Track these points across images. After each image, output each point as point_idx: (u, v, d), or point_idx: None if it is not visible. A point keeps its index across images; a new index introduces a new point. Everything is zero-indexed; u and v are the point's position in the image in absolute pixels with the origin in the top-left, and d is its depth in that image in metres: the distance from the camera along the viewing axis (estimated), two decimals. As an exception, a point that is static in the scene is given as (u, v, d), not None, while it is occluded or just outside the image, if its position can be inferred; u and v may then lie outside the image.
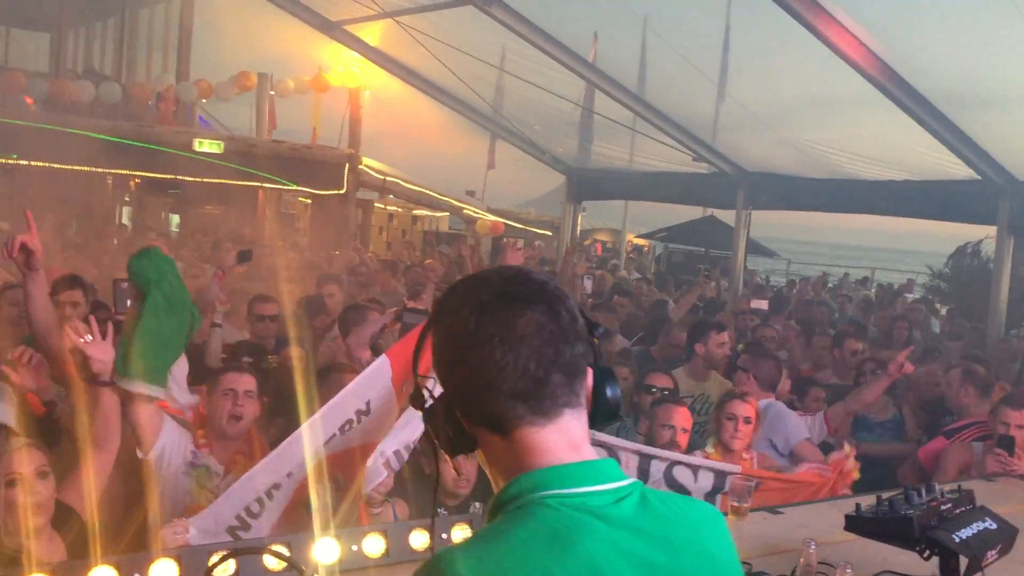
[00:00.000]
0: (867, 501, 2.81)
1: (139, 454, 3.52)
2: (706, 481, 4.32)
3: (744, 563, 3.14)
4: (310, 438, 3.28)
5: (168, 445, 3.65)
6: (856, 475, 4.43)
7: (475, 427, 1.45)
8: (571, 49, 12.50)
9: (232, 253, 8.62)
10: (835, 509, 3.21)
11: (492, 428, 1.43)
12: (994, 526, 2.72)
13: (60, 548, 3.07)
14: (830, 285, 17.99)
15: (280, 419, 4.41)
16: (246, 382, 3.86)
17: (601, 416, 1.50)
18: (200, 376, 4.48)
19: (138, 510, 3.20)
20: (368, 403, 3.57)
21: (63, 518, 3.12)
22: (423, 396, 1.52)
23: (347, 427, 3.51)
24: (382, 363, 3.66)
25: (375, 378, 3.62)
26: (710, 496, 4.24)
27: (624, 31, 11.98)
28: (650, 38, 11.85)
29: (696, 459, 4.43)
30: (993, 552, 2.63)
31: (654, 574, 1.37)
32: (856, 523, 2.81)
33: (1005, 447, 4.72)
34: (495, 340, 1.40)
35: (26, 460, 2.93)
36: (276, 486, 3.31)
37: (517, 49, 13.02)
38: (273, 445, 3.76)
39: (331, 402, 3.46)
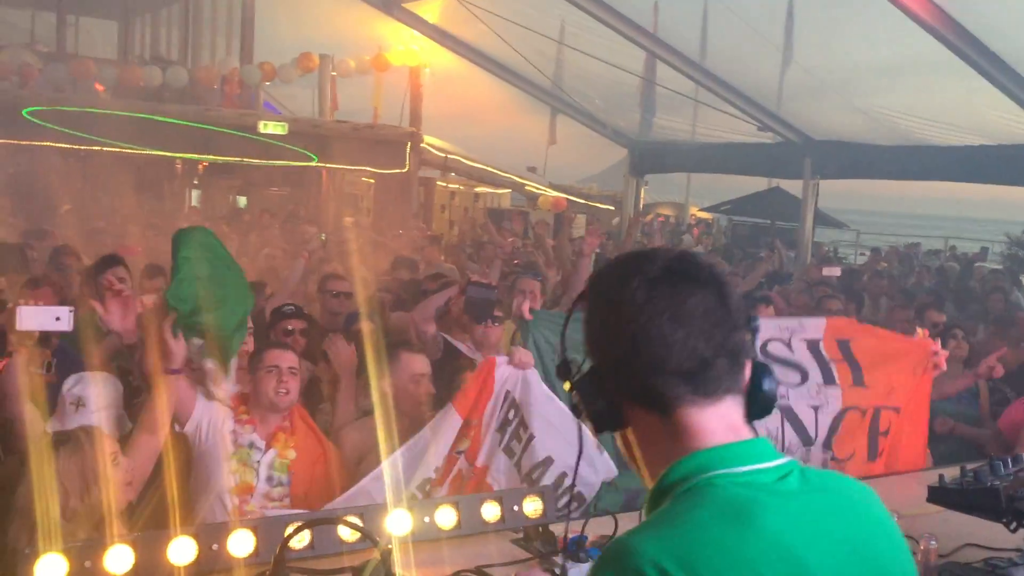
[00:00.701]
0: (951, 472, 2.73)
1: (175, 428, 3.57)
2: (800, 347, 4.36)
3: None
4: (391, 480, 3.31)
5: (205, 419, 3.69)
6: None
7: (630, 404, 1.43)
8: (632, 20, 12.36)
9: (315, 236, 8.78)
10: (917, 481, 3.13)
11: (651, 406, 1.41)
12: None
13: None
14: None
15: (324, 405, 4.46)
16: (289, 359, 3.89)
17: (757, 410, 1.48)
18: None
19: (179, 484, 3.22)
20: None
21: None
22: (571, 369, 1.50)
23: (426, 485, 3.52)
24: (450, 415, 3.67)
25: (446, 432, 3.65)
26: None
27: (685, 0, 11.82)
28: (712, 5, 11.65)
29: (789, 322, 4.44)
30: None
31: (835, 544, 1.37)
32: (940, 495, 2.73)
33: None
34: (664, 316, 1.38)
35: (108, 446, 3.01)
36: None
37: (577, 22, 12.92)
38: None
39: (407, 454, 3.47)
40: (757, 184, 20.26)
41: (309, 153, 15.77)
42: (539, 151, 18.32)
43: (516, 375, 3.84)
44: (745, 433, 1.43)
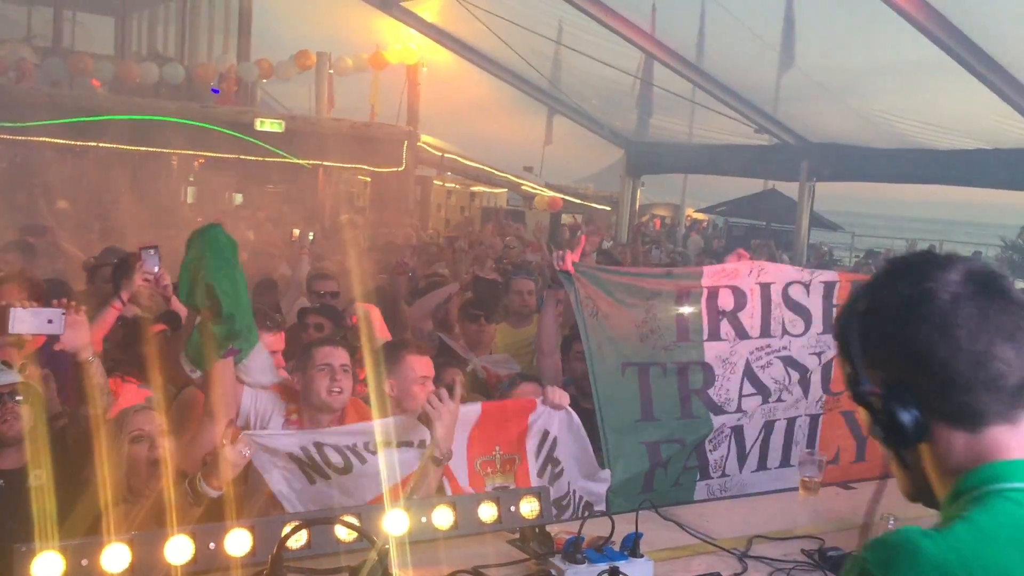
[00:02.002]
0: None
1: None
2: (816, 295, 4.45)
3: (816, 538, 3.11)
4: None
5: (255, 410, 3.64)
6: None
7: (937, 421, 1.35)
8: (629, 20, 12.37)
9: (308, 234, 8.78)
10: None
11: (960, 423, 1.34)
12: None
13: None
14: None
15: None
16: (341, 356, 3.78)
17: None
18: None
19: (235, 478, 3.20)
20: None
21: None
22: (865, 387, 1.39)
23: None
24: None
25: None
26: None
27: (683, 0, 11.82)
28: (709, 7, 11.66)
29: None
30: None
31: None
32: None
33: None
34: (994, 333, 1.33)
35: (148, 420, 3.05)
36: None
37: (575, 22, 12.93)
38: None
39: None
40: (753, 186, 20.31)
41: (300, 161, 15.79)
42: (536, 151, 18.35)
43: (553, 414, 3.78)
44: None
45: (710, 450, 4.29)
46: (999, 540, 1.25)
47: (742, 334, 4.32)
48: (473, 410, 3.62)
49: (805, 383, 4.37)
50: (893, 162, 11.59)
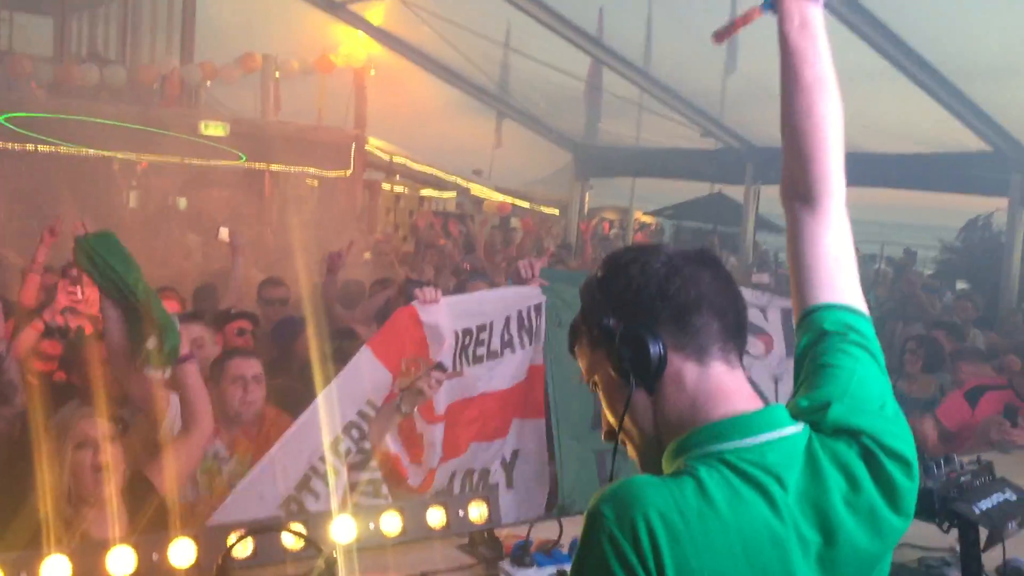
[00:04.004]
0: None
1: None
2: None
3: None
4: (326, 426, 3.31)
5: (175, 418, 3.63)
6: None
7: (673, 352, 1.49)
8: (577, 25, 12.42)
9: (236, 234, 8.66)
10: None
11: (690, 351, 1.49)
12: (1014, 497, 2.71)
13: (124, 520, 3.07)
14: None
15: (279, 379, 4.43)
16: (253, 367, 3.82)
17: None
18: None
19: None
20: (370, 402, 3.59)
21: (142, 492, 3.12)
22: (610, 327, 1.52)
23: (355, 432, 3.51)
24: (367, 357, 3.65)
25: (367, 374, 3.62)
26: None
27: (630, 5, 11.90)
28: (656, 12, 11.76)
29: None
30: (1013, 523, 2.62)
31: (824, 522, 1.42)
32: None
33: (1009, 417, 4.75)
34: (704, 277, 1.51)
35: (93, 426, 2.98)
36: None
37: (523, 26, 12.94)
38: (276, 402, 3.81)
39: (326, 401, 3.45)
40: (700, 189, 20.51)
41: (238, 152, 15.58)
42: (485, 154, 18.34)
43: (441, 311, 3.84)
44: (758, 403, 1.50)
45: None
46: (715, 503, 1.34)
47: None
48: (365, 357, 3.65)
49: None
50: (836, 166, 11.81)
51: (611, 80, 13.34)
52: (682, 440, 1.46)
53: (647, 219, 24.88)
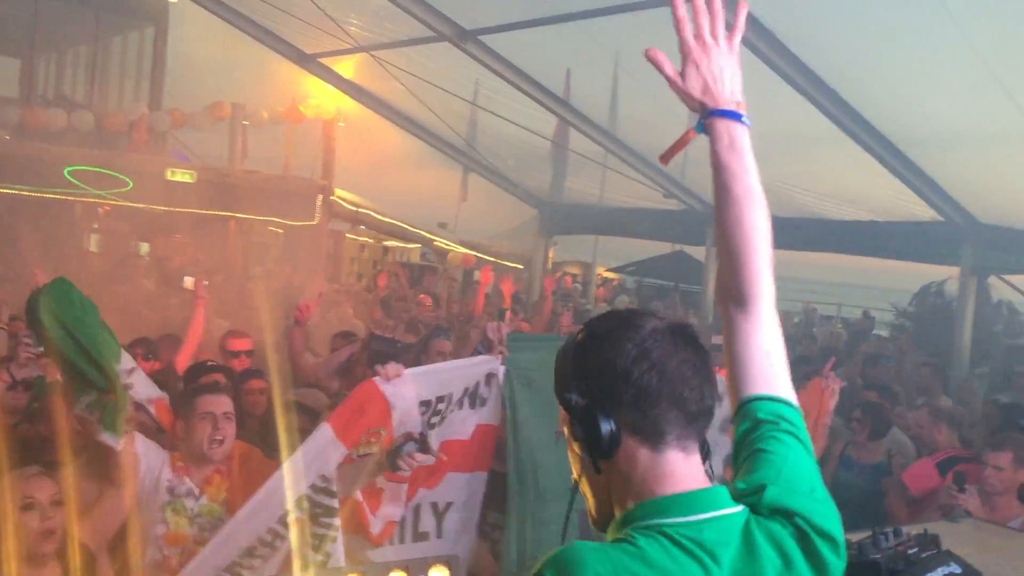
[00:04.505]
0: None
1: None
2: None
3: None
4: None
5: (146, 463, 3.63)
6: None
7: (628, 435, 1.57)
8: (544, 86, 12.67)
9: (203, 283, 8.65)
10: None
11: (645, 436, 1.57)
12: (959, 570, 2.79)
13: None
14: (796, 320, 18.16)
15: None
16: (223, 403, 3.81)
17: None
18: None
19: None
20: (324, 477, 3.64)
21: (83, 559, 3.10)
22: (571, 398, 1.61)
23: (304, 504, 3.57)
24: (326, 435, 3.71)
25: (324, 450, 3.68)
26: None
27: (596, 68, 12.16)
28: (621, 75, 12.03)
29: None
30: (958, 597, 2.71)
31: None
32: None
33: (958, 483, 4.87)
34: (677, 359, 1.58)
35: (40, 487, 2.96)
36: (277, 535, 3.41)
37: (491, 85, 13.17)
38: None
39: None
40: (662, 247, 20.79)
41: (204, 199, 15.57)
42: (450, 207, 18.47)
43: (405, 384, 3.93)
44: (706, 483, 1.61)
45: None
46: (654, 566, 1.44)
47: None
48: (325, 434, 3.69)
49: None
50: (794, 231, 12.04)
51: (577, 140, 13.58)
52: (627, 512, 1.56)
53: (610, 275, 25.12)
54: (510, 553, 4.14)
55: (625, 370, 1.56)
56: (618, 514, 1.58)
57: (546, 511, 4.22)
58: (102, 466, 3.43)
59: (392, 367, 3.91)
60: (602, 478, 1.60)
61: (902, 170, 9.97)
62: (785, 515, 1.57)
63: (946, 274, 12.97)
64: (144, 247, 18.91)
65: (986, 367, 11.22)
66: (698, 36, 1.86)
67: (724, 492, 1.59)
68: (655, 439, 1.57)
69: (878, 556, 2.73)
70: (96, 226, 18.54)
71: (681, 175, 13.16)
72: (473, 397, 4.15)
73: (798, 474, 1.65)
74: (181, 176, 15.29)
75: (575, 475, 1.64)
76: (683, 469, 1.59)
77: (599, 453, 1.57)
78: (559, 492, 4.23)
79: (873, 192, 10.88)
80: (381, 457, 3.56)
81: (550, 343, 4.67)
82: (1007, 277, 12.11)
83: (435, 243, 19.79)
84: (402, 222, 18.88)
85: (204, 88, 16.54)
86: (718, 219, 1.86)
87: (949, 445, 6.04)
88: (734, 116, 1.87)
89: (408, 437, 3.66)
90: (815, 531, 1.57)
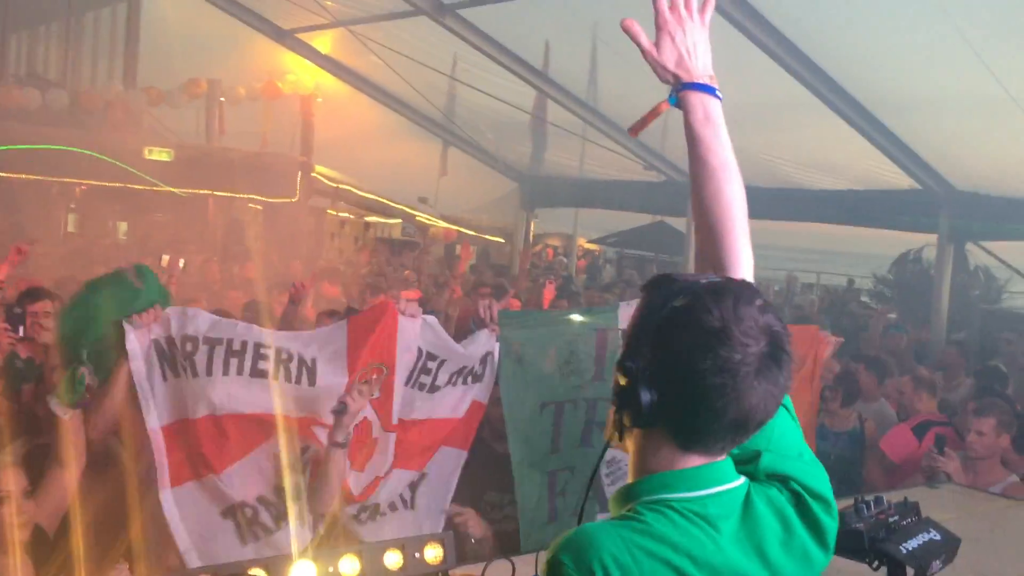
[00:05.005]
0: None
1: None
2: None
3: None
4: None
5: None
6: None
7: (661, 421, 1.53)
8: (522, 59, 12.63)
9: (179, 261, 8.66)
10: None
11: (678, 439, 1.55)
12: (938, 537, 2.88)
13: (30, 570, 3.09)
14: (776, 288, 18.30)
15: None
16: None
17: None
18: None
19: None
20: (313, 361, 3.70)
21: (36, 540, 3.14)
22: (634, 365, 1.53)
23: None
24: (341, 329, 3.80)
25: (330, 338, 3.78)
26: None
27: (574, 40, 12.13)
28: (599, 47, 12.02)
29: None
30: (937, 562, 2.79)
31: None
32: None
33: (938, 446, 4.97)
34: (760, 390, 1.50)
35: (13, 480, 2.98)
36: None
37: (469, 58, 13.12)
38: None
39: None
40: (643, 218, 20.85)
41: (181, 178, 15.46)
42: (430, 182, 18.43)
43: (417, 327, 3.98)
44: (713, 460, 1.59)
45: (607, 484, 4.46)
46: (662, 538, 1.48)
47: None
48: (340, 329, 3.80)
49: None
50: (774, 201, 12.11)
51: (556, 112, 13.56)
52: (632, 486, 1.59)
53: (591, 247, 25.18)
54: (526, 524, 4.23)
55: (701, 381, 1.48)
56: (621, 488, 1.61)
57: (533, 478, 4.30)
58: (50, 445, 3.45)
59: (412, 305, 3.97)
60: (630, 437, 1.61)
61: (879, 138, 10.04)
62: (781, 480, 1.62)
63: (924, 241, 13.11)
64: (122, 226, 18.80)
65: (963, 332, 11.37)
66: (673, 8, 1.87)
67: (729, 465, 1.60)
68: (689, 444, 1.56)
69: (860, 526, 2.80)
70: (73, 206, 18.41)
71: (661, 147, 13.19)
72: (468, 375, 4.18)
73: (786, 440, 1.68)
74: (159, 155, 15.18)
75: (606, 436, 1.65)
76: (698, 463, 1.58)
77: (635, 419, 1.55)
78: (540, 460, 4.32)
79: (851, 161, 10.95)
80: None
81: (539, 319, 4.73)
82: (984, 243, 12.26)
83: (416, 218, 19.76)
84: (383, 197, 18.84)
85: (180, 65, 16.37)
86: (696, 192, 1.87)
87: (928, 412, 6.16)
88: (708, 90, 1.88)
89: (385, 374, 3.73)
90: (809, 494, 1.62)
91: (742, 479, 1.60)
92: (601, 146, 13.63)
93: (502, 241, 19.48)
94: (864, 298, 16.49)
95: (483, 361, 4.20)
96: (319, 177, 17.34)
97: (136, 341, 3.50)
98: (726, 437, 1.55)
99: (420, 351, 3.97)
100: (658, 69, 1.90)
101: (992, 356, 8.99)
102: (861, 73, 9.53)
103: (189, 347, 3.54)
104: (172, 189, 15.46)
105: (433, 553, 3.03)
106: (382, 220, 21.07)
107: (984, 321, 12.36)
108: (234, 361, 3.58)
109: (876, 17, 8.92)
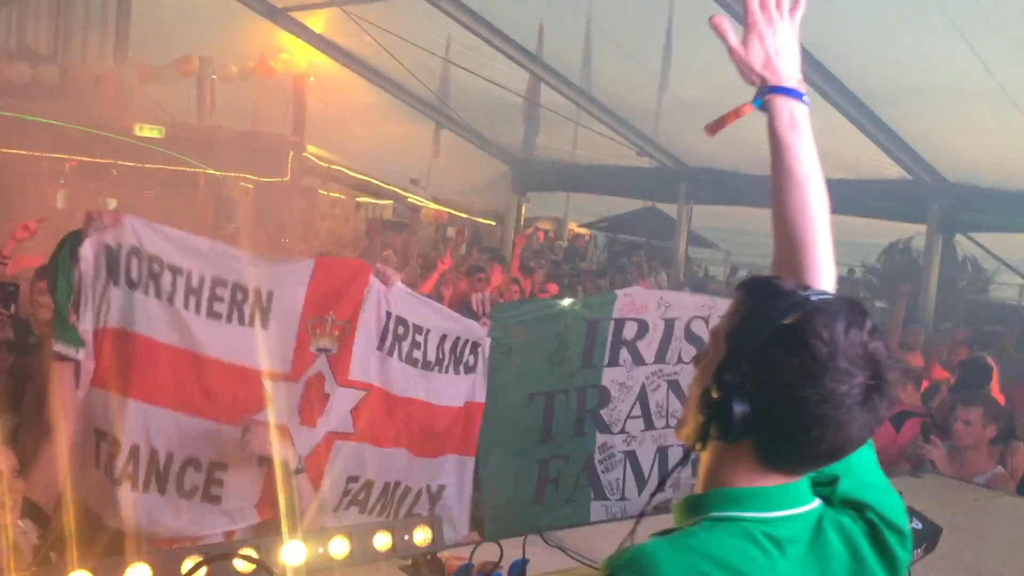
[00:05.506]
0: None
1: None
2: None
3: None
4: None
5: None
6: None
7: (748, 436, 1.45)
8: (516, 41, 12.60)
9: None
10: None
11: (762, 458, 1.47)
12: (920, 526, 2.92)
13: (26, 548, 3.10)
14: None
15: None
16: None
17: None
18: None
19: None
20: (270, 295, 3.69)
21: (31, 516, 3.14)
22: (735, 372, 1.45)
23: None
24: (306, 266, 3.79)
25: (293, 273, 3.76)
26: None
27: (569, 24, 12.11)
28: (594, 31, 12.01)
29: None
30: (919, 550, 2.84)
31: None
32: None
33: (923, 433, 5.03)
34: (859, 424, 1.44)
35: (3, 457, 2.98)
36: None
37: (463, 40, 13.08)
38: None
39: None
40: (634, 202, 20.87)
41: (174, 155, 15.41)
42: (422, 163, 18.40)
43: (390, 293, 3.94)
44: (791, 480, 1.52)
45: (602, 471, 4.50)
46: (726, 565, 1.41)
47: (639, 360, 4.55)
48: (305, 266, 3.77)
49: None
50: (765, 189, 12.09)
51: (549, 96, 13.55)
52: (701, 497, 1.52)
53: (582, 231, 25.22)
54: (487, 503, 4.25)
55: (802, 409, 1.41)
56: (690, 496, 1.54)
57: (519, 466, 4.33)
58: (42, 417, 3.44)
59: (392, 273, 3.95)
60: (708, 448, 1.52)
61: (870, 127, 10.08)
62: (857, 508, 1.56)
63: (913, 231, 13.18)
64: (112, 203, 18.71)
65: (951, 322, 11.46)
66: (764, 6, 1.79)
67: (805, 486, 1.53)
68: (773, 464, 1.49)
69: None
70: (62, 182, 18.32)
71: (654, 132, 13.20)
72: (458, 362, 4.15)
73: (865, 466, 1.63)
74: (149, 132, 15.11)
75: (685, 440, 1.55)
76: (776, 482, 1.50)
77: (720, 432, 1.47)
78: (529, 448, 4.35)
79: (841, 150, 10.98)
80: None
81: (530, 308, 4.75)
82: (972, 235, 12.34)
83: (408, 199, 19.73)
84: (374, 178, 18.79)
85: (172, 41, 16.26)
86: (779, 201, 1.78)
87: (911, 403, 6.20)
88: (795, 94, 1.80)
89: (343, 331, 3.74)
90: (886, 524, 1.56)
91: (816, 502, 1.54)
92: (594, 131, 13.63)
93: (493, 224, 19.47)
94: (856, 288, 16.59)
95: (473, 351, 4.17)
96: (311, 157, 17.29)
97: (89, 247, 3.42)
98: (815, 464, 1.50)
99: (388, 315, 3.91)
100: (744, 70, 1.81)
101: (978, 347, 9.06)
102: (852, 62, 9.54)
103: (156, 267, 3.48)
104: (162, 166, 15.40)
105: (422, 536, 3.07)
106: (373, 201, 21.03)
107: (971, 311, 12.46)
108: (192, 299, 3.53)
109: (867, 6, 8.93)
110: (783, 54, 1.80)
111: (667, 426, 4.60)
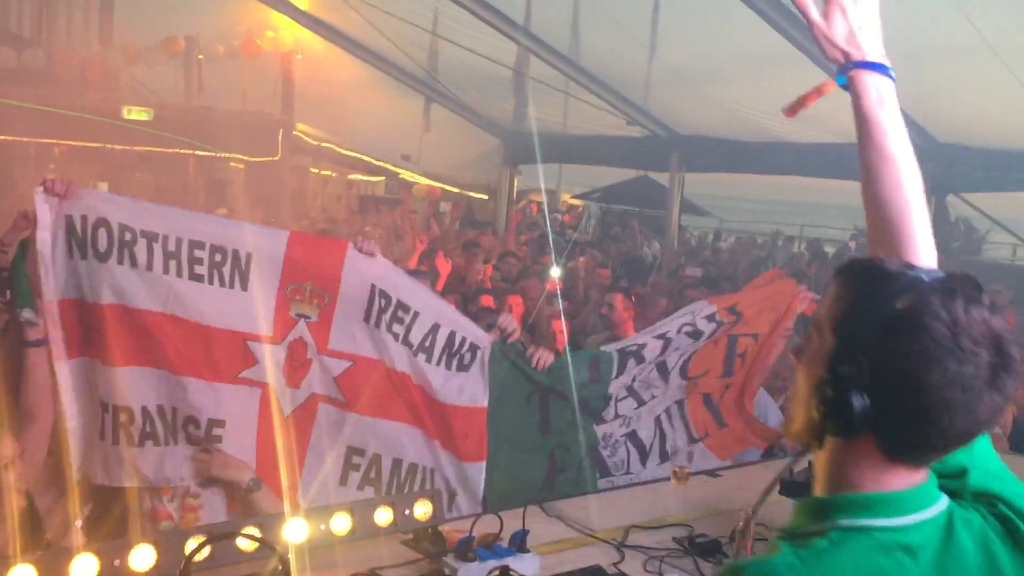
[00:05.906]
0: (800, 467, 3.03)
1: None
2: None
3: (686, 525, 3.38)
4: None
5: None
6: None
7: (868, 429, 1.37)
8: (503, 13, 12.52)
9: None
10: (771, 472, 3.44)
11: (886, 447, 1.39)
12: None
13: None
14: (760, 241, 18.41)
15: None
16: None
17: None
18: None
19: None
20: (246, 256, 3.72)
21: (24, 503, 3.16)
22: (837, 378, 1.37)
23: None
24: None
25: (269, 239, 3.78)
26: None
27: (557, -6, 12.07)
28: (583, 1, 11.95)
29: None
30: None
31: None
32: (791, 488, 3.05)
33: None
34: (979, 406, 1.35)
35: (9, 445, 3.01)
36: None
37: (450, 14, 13.00)
38: None
39: None
40: (626, 172, 20.84)
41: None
42: (413, 139, 18.35)
43: (373, 266, 3.93)
44: (919, 478, 1.44)
45: (607, 455, 4.53)
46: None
47: (640, 360, 4.56)
48: (281, 234, 3.80)
49: (664, 374, 4.63)
50: (756, 155, 12.17)
51: (538, 68, 13.49)
52: (828, 500, 1.44)
53: (575, 202, 25.18)
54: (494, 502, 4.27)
55: (927, 396, 1.34)
56: (817, 495, 1.45)
57: (521, 460, 4.35)
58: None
59: (369, 243, 3.92)
60: (825, 447, 1.43)
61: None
62: (988, 501, 1.49)
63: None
64: (103, 186, 18.63)
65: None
66: None
67: (933, 485, 1.46)
68: (899, 456, 1.41)
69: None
70: (52, 166, 18.24)
71: (644, 101, 13.17)
72: (451, 359, 4.10)
73: (986, 453, 1.54)
74: (138, 114, 15.06)
75: (797, 439, 1.47)
76: (904, 477, 1.43)
77: (839, 429, 1.39)
78: (532, 443, 4.36)
79: (833, 114, 10.92)
80: None
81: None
82: (964, 195, 12.35)
83: (400, 175, 19.70)
84: (365, 155, 18.75)
85: (157, 22, 16.17)
86: (872, 182, 1.70)
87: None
88: (882, 69, 1.71)
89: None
90: (1018, 515, 1.48)
91: (944, 500, 1.46)
92: (584, 101, 13.59)
93: (485, 198, 19.45)
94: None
95: (471, 350, 4.15)
96: (301, 135, 17.25)
97: (47, 211, 3.40)
98: (943, 452, 1.42)
99: (373, 288, 3.89)
100: (826, 45, 1.71)
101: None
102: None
103: (127, 235, 3.47)
104: (152, 148, 15.35)
105: (422, 510, 3.11)
106: (365, 178, 21.00)
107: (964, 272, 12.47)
108: (172, 262, 3.54)
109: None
110: (866, 27, 1.73)
111: (653, 397, 4.61)
